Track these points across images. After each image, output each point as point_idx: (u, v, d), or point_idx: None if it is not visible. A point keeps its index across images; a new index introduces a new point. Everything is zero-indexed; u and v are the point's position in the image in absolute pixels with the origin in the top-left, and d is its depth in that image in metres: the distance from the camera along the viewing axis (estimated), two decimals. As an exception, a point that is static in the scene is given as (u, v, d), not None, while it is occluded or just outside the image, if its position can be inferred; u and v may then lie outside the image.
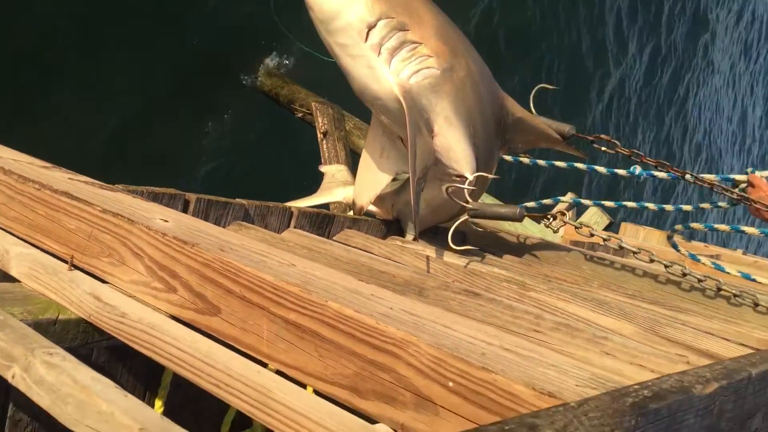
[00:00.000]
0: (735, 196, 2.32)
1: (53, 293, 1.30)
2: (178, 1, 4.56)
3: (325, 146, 4.84)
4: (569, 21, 7.39)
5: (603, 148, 2.46)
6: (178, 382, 1.87)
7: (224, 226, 2.05)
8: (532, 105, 2.55)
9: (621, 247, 2.34)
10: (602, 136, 2.47)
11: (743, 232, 2.30)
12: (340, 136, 4.84)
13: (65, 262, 1.39)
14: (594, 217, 4.97)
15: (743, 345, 2.02)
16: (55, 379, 0.90)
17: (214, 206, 2.05)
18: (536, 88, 2.58)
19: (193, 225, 1.45)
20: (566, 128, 2.49)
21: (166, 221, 1.40)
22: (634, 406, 0.89)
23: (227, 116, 4.98)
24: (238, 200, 2.14)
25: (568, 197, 5.43)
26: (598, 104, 8.00)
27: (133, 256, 1.34)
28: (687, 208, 2.62)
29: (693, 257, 2.78)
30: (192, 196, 1.99)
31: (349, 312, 1.12)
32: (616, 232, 4.86)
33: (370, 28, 2.10)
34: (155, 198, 1.88)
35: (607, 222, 5.00)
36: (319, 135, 4.85)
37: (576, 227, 2.34)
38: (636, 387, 0.98)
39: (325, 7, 2.12)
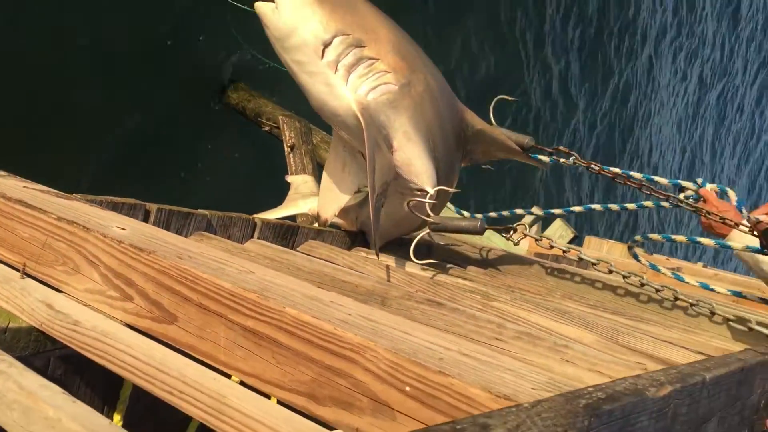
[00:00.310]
0: (690, 208, 2.36)
1: (4, 301, 1.27)
2: (138, 13, 4.52)
3: (292, 160, 4.83)
4: (535, 60, 7.55)
5: (561, 160, 2.50)
6: (137, 395, 1.84)
7: (186, 237, 2.03)
8: (492, 116, 2.58)
9: (581, 259, 2.37)
10: (560, 147, 2.51)
11: (699, 243, 2.35)
12: (308, 149, 4.84)
13: (18, 270, 1.36)
14: (559, 230, 5.03)
15: (701, 353, 2.05)
16: (0, 385, 0.88)
17: (175, 216, 2.02)
18: (496, 99, 2.61)
19: (151, 233, 1.43)
20: (525, 139, 2.52)
21: (123, 229, 1.38)
22: (587, 407, 0.90)
23: (193, 129, 4.94)
24: (200, 211, 2.12)
25: (535, 211, 5.51)
26: (562, 136, 8.16)
27: (88, 264, 1.32)
28: (631, 206, 2.68)
29: (654, 267, 2.82)
30: (153, 206, 1.97)
31: (306, 318, 1.11)
32: (581, 245, 4.92)
33: (326, 45, 2.10)
34: (115, 207, 1.85)
35: (571, 235, 5.06)
36: (286, 148, 4.84)
37: (536, 239, 2.36)
38: (590, 389, 0.98)
39: (280, 25, 2.11)
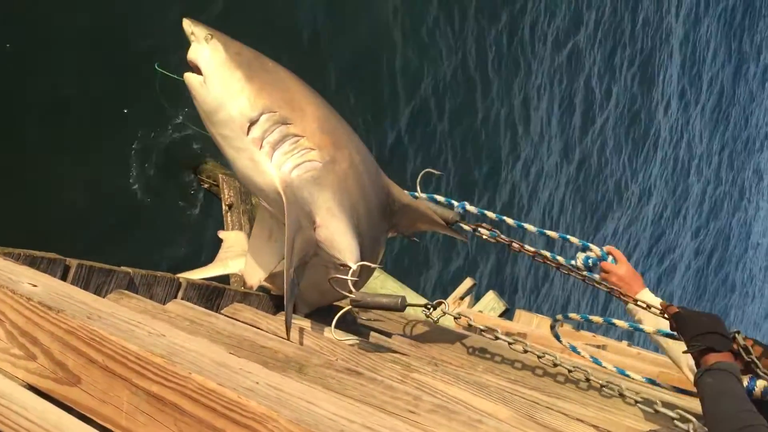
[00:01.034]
0: (605, 289, 2.44)
1: None
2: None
3: (229, 218, 4.81)
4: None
5: (484, 236, 2.58)
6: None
7: (105, 295, 2.00)
8: (419, 189, 2.66)
9: (497, 338, 2.42)
10: (484, 224, 2.60)
11: (614, 324, 2.43)
12: (246, 209, 4.84)
13: None
14: (490, 303, 5.10)
15: (611, 432, 2.11)
16: None
17: (96, 273, 1.99)
18: (423, 172, 2.70)
19: (64, 291, 1.41)
20: (450, 214, 2.60)
21: (35, 286, 1.36)
22: (476, 485, 0.92)
23: (128, 185, 4.88)
24: (122, 268, 2.09)
25: (468, 282, 5.60)
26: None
27: (-6, 320, 1.29)
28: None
29: (573, 349, 2.89)
30: (73, 262, 1.93)
31: (212, 385, 1.11)
32: (511, 319, 5.00)
33: (252, 122, 2.13)
34: (32, 262, 1.81)
35: (503, 308, 5.14)
36: (224, 207, 4.84)
37: (455, 317, 2.41)
38: (484, 467, 1.01)
39: (208, 99, 2.14)
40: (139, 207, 4.86)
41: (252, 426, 1.07)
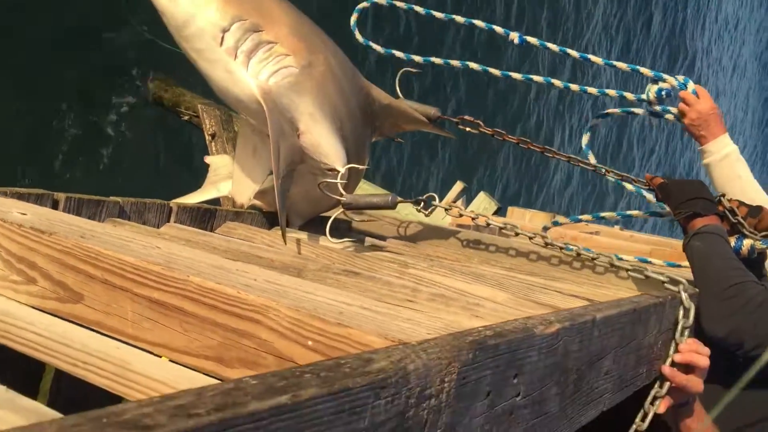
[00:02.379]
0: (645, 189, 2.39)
1: None
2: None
3: (214, 147, 4.80)
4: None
5: (467, 128, 2.58)
6: (58, 387, 1.83)
7: (98, 224, 2.01)
8: (398, 89, 2.64)
9: (488, 224, 2.46)
10: (466, 117, 2.59)
11: (603, 218, 2.46)
12: (229, 137, 4.82)
13: None
14: (482, 203, 5.16)
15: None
16: None
17: (85, 205, 2.00)
18: (401, 72, 2.66)
19: (54, 216, 1.42)
20: (432, 111, 2.59)
21: (24, 214, 1.37)
22: (473, 342, 0.97)
23: (111, 120, 4.83)
24: (112, 198, 2.10)
25: (459, 186, 5.63)
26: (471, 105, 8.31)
27: (-11, 250, 1.30)
28: (592, 90, 2.60)
29: (569, 250, 2.94)
30: (61, 195, 1.94)
31: (210, 284, 1.14)
32: (504, 216, 5.06)
33: (224, 31, 2.09)
34: (20, 198, 1.81)
35: (495, 208, 5.20)
36: (207, 137, 4.81)
37: (446, 209, 2.44)
38: (480, 328, 1.05)
39: (176, 14, 2.10)
40: (121, 143, 4.83)
41: (253, 317, 1.10)
